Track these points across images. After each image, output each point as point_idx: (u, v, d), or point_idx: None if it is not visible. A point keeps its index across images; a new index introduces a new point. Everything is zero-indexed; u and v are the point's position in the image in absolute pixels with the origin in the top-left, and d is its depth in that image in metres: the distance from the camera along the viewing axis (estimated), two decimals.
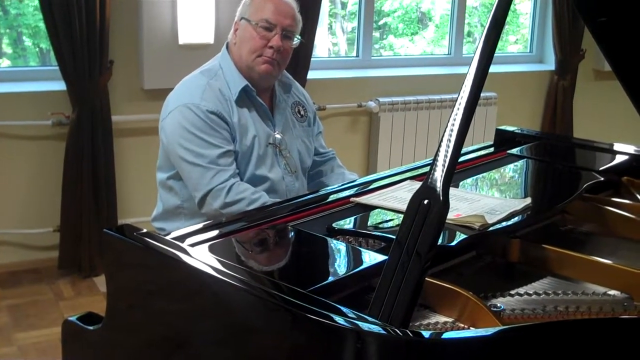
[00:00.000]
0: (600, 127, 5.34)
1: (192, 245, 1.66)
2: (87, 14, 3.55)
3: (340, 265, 1.68)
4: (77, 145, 3.70)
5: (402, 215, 1.37)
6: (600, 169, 2.37)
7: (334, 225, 1.83)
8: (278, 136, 2.44)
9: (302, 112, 2.57)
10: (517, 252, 1.83)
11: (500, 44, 1.53)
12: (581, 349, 1.31)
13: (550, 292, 1.65)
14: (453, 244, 1.69)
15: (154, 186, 2.52)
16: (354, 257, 1.69)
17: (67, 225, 3.79)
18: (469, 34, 5.26)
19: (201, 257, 1.53)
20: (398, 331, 1.25)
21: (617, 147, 2.58)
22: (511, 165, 2.42)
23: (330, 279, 1.58)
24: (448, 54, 5.03)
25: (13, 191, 3.80)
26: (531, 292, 1.64)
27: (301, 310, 1.31)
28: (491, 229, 1.78)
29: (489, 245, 1.85)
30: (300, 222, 1.87)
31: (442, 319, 1.50)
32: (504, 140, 2.69)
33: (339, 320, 1.27)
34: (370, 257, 1.63)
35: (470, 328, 1.46)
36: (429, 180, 1.35)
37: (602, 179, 2.24)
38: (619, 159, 2.52)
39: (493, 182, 2.31)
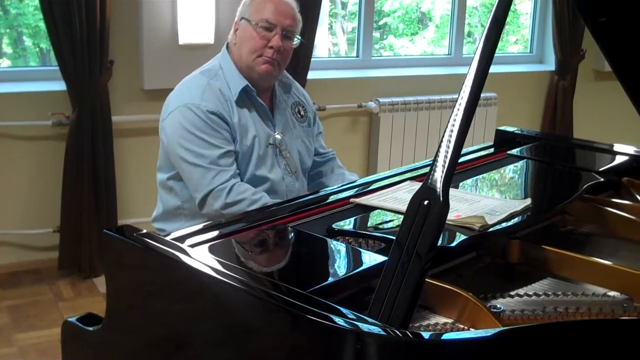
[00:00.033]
0: (600, 127, 5.34)
1: (192, 246, 1.66)
2: (87, 14, 3.55)
3: (340, 266, 1.68)
4: (77, 146, 3.70)
5: (402, 216, 1.37)
6: (600, 169, 2.37)
7: (334, 225, 1.83)
8: (278, 136, 2.44)
9: (302, 113, 2.57)
10: (517, 253, 1.82)
11: (500, 44, 1.53)
12: (581, 350, 1.31)
13: (550, 293, 1.65)
14: (453, 244, 1.69)
15: (154, 187, 2.52)
16: (354, 258, 1.69)
17: (67, 226, 3.79)
18: (469, 34, 5.26)
19: (201, 258, 1.53)
20: (398, 332, 1.25)
21: (617, 147, 2.58)
22: (511, 166, 2.42)
23: (330, 279, 1.58)
24: (448, 54, 5.03)
25: (13, 191, 3.80)
26: (531, 293, 1.64)
27: (301, 311, 1.31)
28: (491, 229, 1.78)
29: (489, 246, 1.85)
30: (300, 223, 1.87)
31: (442, 320, 1.50)
32: (504, 141, 2.69)
33: (339, 321, 1.27)
34: (370, 258, 1.63)
35: (470, 329, 1.46)
36: (429, 180, 1.35)
37: (602, 179, 2.24)
38: (619, 159, 2.52)
39: (493, 182, 2.31)
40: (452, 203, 1.68)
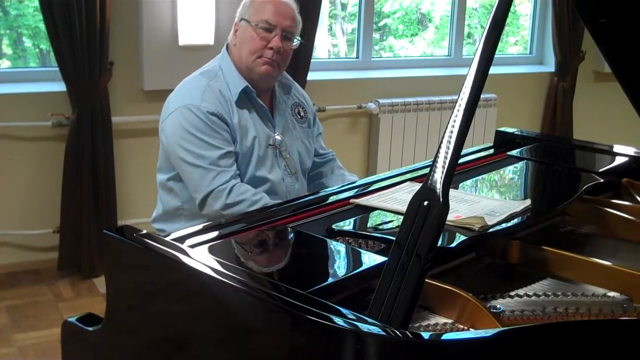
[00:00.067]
0: (600, 128, 5.34)
1: (192, 246, 1.66)
2: (87, 15, 3.55)
3: (340, 267, 1.68)
4: (77, 146, 3.70)
5: (402, 217, 1.38)
6: (600, 170, 2.37)
7: (333, 226, 1.83)
8: (278, 137, 2.44)
9: (302, 114, 2.57)
10: (517, 253, 1.83)
11: (500, 45, 1.53)
12: (581, 350, 1.31)
13: (549, 293, 1.65)
14: (453, 245, 1.70)
15: (154, 187, 2.52)
16: (354, 259, 1.69)
17: (66, 226, 3.79)
18: (469, 35, 5.26)
19: (201, 259, 1.53)
20: (398, 332, 1.25)
21: (617, 148, 2.58)
22: (511, 167, 2.42)
23: (330, 280, 1.58)
24: (448, 55, 5.03)
25: (13, 192, 3.80)
26: (531, 294, 1.64)
27: (301, 312, 1.31)
28: (491, 230, 1.78)
29: (489, 246, 1.85)
30: (300, 224, 1.87)
31: (441, 320, 1.50)
32: (503, 142, 2.70)
33: (339, 321, 1.27)
34: (370, 259, 1.63)
35: (470, 329, 1.46)
36: (429, 181, 1.35)
37: (602, 180, 2.24)
38: (619, 160, 2.53)
39: (493, 183, 2.31)
40: (452, 204, 1.68)
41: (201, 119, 2.30)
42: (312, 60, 4.23)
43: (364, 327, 1.25)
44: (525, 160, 2.49)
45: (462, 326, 1.48)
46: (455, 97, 1.41)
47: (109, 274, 1.70)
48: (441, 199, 1.33)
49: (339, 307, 1.33)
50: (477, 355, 1.26)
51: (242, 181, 2.35)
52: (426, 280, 1.43)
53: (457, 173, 1.62)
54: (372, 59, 4.74)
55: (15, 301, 3.56)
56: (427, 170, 1.38)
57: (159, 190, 2.49)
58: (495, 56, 1.45)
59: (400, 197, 2.01)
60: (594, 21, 1.94)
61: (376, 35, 5.02)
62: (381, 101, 4.51)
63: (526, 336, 1.28)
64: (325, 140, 2.72)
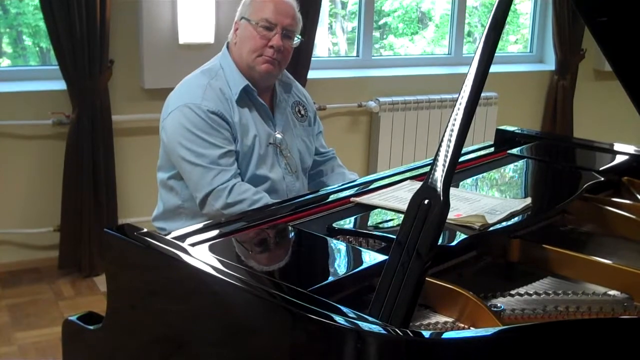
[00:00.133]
0: (600, 127, 5.34)
1: (193, 245, 1.66)
2: (87, 14, 3.55)
3: (340, 265, 1.68)
4: (77, 145, 3.70)
5: (402, 215, 1.38)
6: (601, 169, 2.37)
7: (334, 225, 1.83)
8: (279, 136, 2.44)
9: (302, 112, 2.57)
10: (518, 252, 1.83)
11: (500, 43, 1.53)
12: (581, 349, 1.31)
13: (550, 292, 1.65)
14: (453, 244, 1.69)
15: (155, 186, 2.52)
16: (354, 257, 1.69)
17: (67, 225, 3.79)
18: (469, 33, 5.26)
19: (202, 257, 1.53)
20: (398, 331, 1.25)
21: (617, 147, 2.58)
22: (511, 165, 2.42)
23: (331, 278, 1.58)
24: (448, 54, 5.03)
25: (13, 191, 3.80)
26: (531, 292, 1.64)
27: (301, 310, 1.31)
28: (491, 229, 1.78)
29: (490, 245, 1.85)
30: (300, 222, 1.87)
31: (442, 319, 1.50)
32: (504, 140, 2.70)
33: (339, 320, 1.27)
34: (371, 257, 1.63)
35: (471, 328, 1.46)
36: (430, 180, 1.35)
37: (602, 179, 2.24)
38: (619, 159, 2.52)
39: (493, 182, 2.31)
40: (453, 202, 1.67)
41: (202, 117, 2.30)
42: (312, 58, 4.23)
43: (365, 325, 1.25)
44: (525, 159, 2.49)
45: (462, 325, 1.48)
46: (455, 96, 1.41)
47: (110, 272, 1.70)
48: (442, 198, 1.33)
49: (339, 306, 1.33)
50: (477, 354, 1.26)
51: (242, 180, 2.35)
52: (427, 278, 1.43)
53: (457, 171, 1.62)
54: (373, 58, 4.74)
55: (16, 300, 3.56)
56: (427, 169, 1.38)
57: (160, 188, 2.49)
58: (496, 55, 1.45)
59: (401, 196, 2.01)
60: (594, 19, 1.94)
61: (376, 34, 5.01)
62: (381, 99, 4.51)
63: (527, 335, 1.28)
64: (325, 138, 2.72)
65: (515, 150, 2.54)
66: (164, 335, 1.59)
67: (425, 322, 1.48)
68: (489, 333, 1.31)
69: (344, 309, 1.31)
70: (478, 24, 5.42)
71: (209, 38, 3.90)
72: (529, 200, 1.96)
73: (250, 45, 2.36)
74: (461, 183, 2.20)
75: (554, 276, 1.75)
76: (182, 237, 1.70)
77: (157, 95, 3.66)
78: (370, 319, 1.28)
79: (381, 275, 1.32)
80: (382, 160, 4.56)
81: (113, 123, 3.81)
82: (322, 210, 1.96)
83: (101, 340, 1.71)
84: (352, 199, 2.03)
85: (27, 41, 4.27)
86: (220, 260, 1.52)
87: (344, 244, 1.73)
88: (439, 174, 1.34)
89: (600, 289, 1.68)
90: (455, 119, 1.38)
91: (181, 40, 3.87)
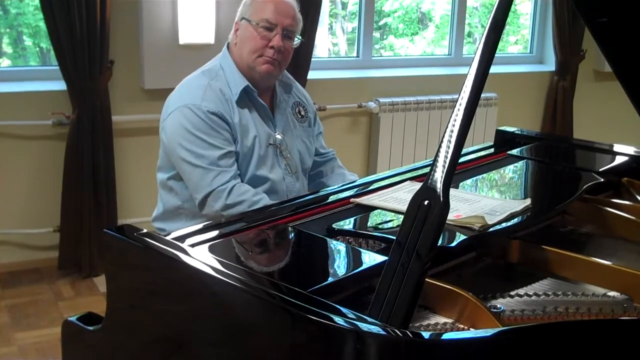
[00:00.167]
0: (600, 128, 5.35)
1: (192, 245, 1.66)
2: (87, 14, 3.55)
3: (340, 266, 1.68)
4: (77, 145, 3.70)
5: (402, 216, 1.37)
6: (600, 170, 2.37)
7: (334, 225, 1.83)
8: (279, 136, 2.44)
9: (302, 113, 2.57)
10: (517, 253, 1.83)
11: (500, 44, 1.53)
12: (581, 350, 1.31)
13: (550, 293, 1.65)
14: (453, 244, 1.69)
15: (154, 186, 2.52)
16: (354, 258, 1.69)
17: (67, 226, 3.79)
18: (469, 34, 5.26)
19: (201, 258, 1.53)
20: (398, 332, 1.25)
21: (617, 148, 2.58)
22: (511, 166, 2.42)
23: (330, 279, 1.58)
24: (448, 55, 5.03)
25: (13, 191, 3.80)
26: (531, 293, 1.64)
27: (301, 311, 1.31)
28: (491, 229, 1.78)
29: (489, 246, 1.85)
30: (300, 223, 1.87)
31: (442, 319, 1.50)
32: (504, 141, 2.70)
33: (339, 320, 1.27)
34: (370, 258, 1.63)
35: (470, 329, 1.46)
36: (429, 180, 1.35)
37: (602, 180, 2.24)
38: (619, 160, 2.52)
39: (493, 183, 2.31)
40: (452, 203, 1.68)
41: (202, 118, 2.30)
42: (312, 59, 4.23)
43: (364, 326, 1.25)
44: (525, 160, 2.49)
45: (462, 326, 1.48)
46: (455, 96, 1.42)
47: (110, 273, 1.70)
48: (442, 198, 1.33)
49: (339, 307, 1.33)
50: (477, 355, 1.26)
51: (242, 180, 2.35)
52: (426, 279, 1.43)
53: (457, 172, 1.62)
54: (373, 58, 4.74)
55: (16, 300, 3.56)
56: (427, 170, 1.38)
57: (159, 189, 2.49)
58: (496, 55, 1.45)
59: (401, 197, 2.01)
60: (594, 20, 1.94)
61: (376, 34, 5.02)
62: (381, 100, 4.51)
63: (526, 336, 1.28)
64: (325, 139, 2.72)
65: (515, 151, 2.54)
66: (164, 335, 1.59)
67: (425, 323, 1.48)
68: (488, 334, 1.31)
69: (344, 310, 1.32)
70: (478, 25, 5.42)
71: (209, 38, 3.90)
72: (528, 201, 1.96)
73: (251, 46, 2.36)
74: (461, 184, 2.20)
75: (553, 277, 1.75)
76: (182, 238, 1.70)
77: (157, 96, 3.66)
78: (369, 319, 1.28)
79: (381, 276, 1.32)
80: (382, 161, 4.56)
81: (113, 123, 3.81)
82: (322, 211, 1.96)
83: (101, 341, 1.71)
84: (352, 199, 2.03)
85: (28, 41, 4.27)
86: (220, 261, 1.52)
87: (344, 245, 1.73)
88: (439, 175, 1.34)
89: (600, 290, 1.68)
90: (455, 120, 1.38)
91: (181, 41, 3.87)
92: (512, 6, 1.50)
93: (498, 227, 1.80)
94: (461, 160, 2.34)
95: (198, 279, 1.50)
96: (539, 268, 1.78)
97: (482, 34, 1.46)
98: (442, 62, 5.00)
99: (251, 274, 1.52)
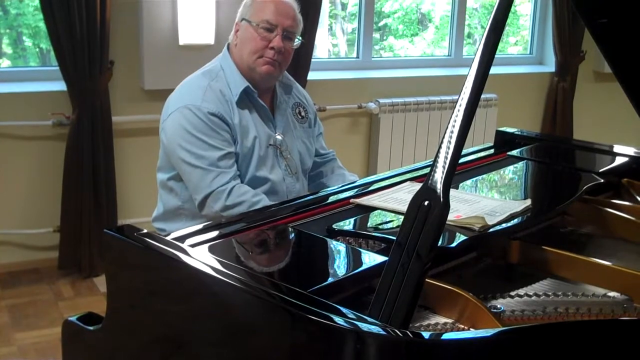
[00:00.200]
0: (600, 128, 5.35)
1: (193, 245, 1.66)
2: (87, 14, 3.55)
3: (340, 266, 1.69)
4: (77, 146, 3.70)
5: (402, 217, 1.38)
6: (600, 170, 2.37)
7: (334, 226, 1.83)
8: (279, 137, 2.44)
9: (302, 113, 2.57)
10: (517, 253, 1.83)
11: (500, 45, 1.53)
12: (581, 350, 1.31)
13: (550, 293, 1.65)
14: (453, 245, 1.70)
15: (154, 186, 2.52)
16: (354, 258, 1.69)
17: (67, 226, 3.79)
18: (469, 35, 5.26)
19: (201, 258, 1.53)
20: (398, 332, 1.25)
21: (617, 148, 2.58)
22: (511, 167, 2.42)
23: (330, 279, 1.58)
24: (448, 55, 5.03)
25: (13, 191, 3.80)
26: (531, 294, 1.64)
27: (301, 311, 1.31)
28: (491, 230, 1.78)
29: (489, 246, 1.85)
30: (300, 223, 1.87)
31: (442, 320, 1.50)
32: (504, 142, 2.70)
33: (339, 320, 1.27)
34: (371, 258, 1.63)
35: (470, 329, 1.46)
36: (430, 181, 1.35)
37: (602, 180, 2.24)
38: (619, 160, 2.53)
39: (493, 183, 2.32)
40: (453, 204, 1.67)
41: (202, 119, 2.30)
42: (312, 60, 4.23)
43: (365, 326, 1.25)
44: (525, 160, 2.49)
45: (462, 326, 1.48)
46: (455, 97, 1.42)
47: (110, 273, 1.70)
48: (442, 199, 1.33)
49: (339, 307, 1.33)
50: (477, 355, 1.26)
51: (242, 181, 2.35)
52: (427, 280, 1.43)
53: (457, 173, 1.62)
54: (373, 59, 4.75)
55: (16, 300, 3.56)
56: (427, 170, 1.39)
57: (160, 189, 2.49)
58: (496, 56, 1.46)
59: (401, 197, 2.01)
60: (594, 21, 1.94)
61: (376, 35, 5.02)
62: (381, 101, 4.51)
63: (526, 336, 1.28)
64: (325, 140, 2.72)
65: (515, 152, 2.55)
66: (164, 335, 1.59)
67: (425, 323, 1.48)
68: (488, 334, 1.31)
69: (344, 310, 1.32)
70: (478, 26, 5.42)
71: (209, 39, 3.90)
72: (528, 202, 1.96)
73: (251, 47, 2.36)
74: (461, 184, 2.20)
75: (553, 277, 1.75)
76: (182, 238, 1.70)
77: (157, 96, 3.66)
78: (370, 319, 1.28)
79: (381, 276, 1.32)
80: (381, 162, 4.56)
81: (113, 124, 3.81)
82: (322, 212, 1.96)
83: (101, 341, 1.71)
84: (352, 200, 2.04)
85: (27, 42, 4.27)
86: (220, 261, 1.52)
87: (344, 245, 1.73)
88: (439, 175, 1.35)
89: (600, 291, 1.68)
90: (455, 121, 1.38)
91: (181, 41, 3.87)
92: (512, 7, 1.50)
93: (498, 227, 1.80)
94: (461, 160, 2.34)
95: (198, 279, 1.50)
96: (539, 268, 1.78)
97: (482, 35, 1.46)
98: (442, 63, 5.00)
99: (251, 274, 1.52)
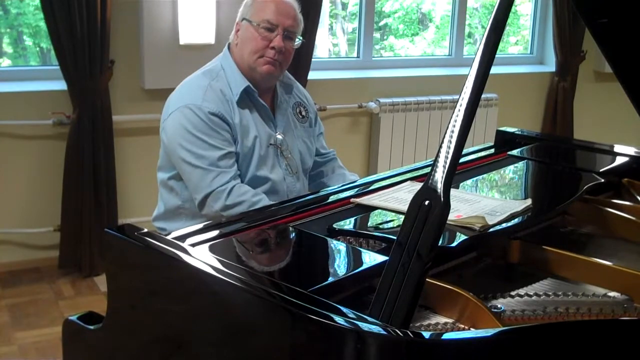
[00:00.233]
0: (600, 128, 5.35)
1: (193, 245, 1.66)
2: (88, 14, 3.55)
3: (340, 266, 1.69)
4: (77, 145, 3.71)
5: (402, 216, 1.38)
6: (601, 170, 2.37)
7: (334, 225, 1.83)
8: (279, 137, 2.44)
9: (303, 113, 2.57)
10: (518, 253, 1.83)
11: (500, 45, 1.53)
12: (581, 350, 1.31)
13: (550, 293, 1.65)
14: (454, 244, 1.70)
15: (155, 186, 2.52)
16: (355, 258, 1.69)
17: (67, 225, 3.79)
18: (470, 35, 5.26)
19: (202, 257, 1.53)
20: (398, 332, 1.25)
21: (618, 148, 2.58)
22: (512, 167, 2.42)
23: (331, 279, 1.58)
24: (449, 55, 5.03)
25: (14, 191, 3.80)
26: (531, 293, 1.64)
27: (301, 311, 1.31)
28: (492, 230, 1.78)
29: (490, 246, 1.85)
30: (300, 223, 1.87)
31: (442, 319, 1.50)
32: (504, 142, 2.70)
33: (339, 320, 1.27)
34: (371, 258, 1.63)
35: (471, 329, 1.46)
36: (430, 181, 1.35)
37: (603, 180, 2.24)
38: (620, 160, 2.53)
39: (493, 183, 2.32)
40: (453, 203, 1.67)
41: (202, 119, 2.30)
42: (312, 59, 4.24)
43: (365, 326, 1.25)
44: (525, 160, 2.49)
45: (462, 326, 1.48)
46: (455, 97, 1.42)
47: (110, 272, 1.70)
48: (442, 199, 1.33)
49: (339, 307, 1.33)
50: (477, 355, 1.26)
51: (243, 181, 2.35)
52: (427, 279, 1.43)
53: (457, 172, 1.62)
54: (373, 59, 4.75)
55: (16, 299, 3.56)
56: (427, 170, 1.39)
57: (160, 189, 2.49)
58: (496, 56, 1.45)
59: (401, 197, 2.01)
60: (594, 21, 1.94)
61: (377, 35, 5.02)
62: (382, 100, 4.51)
63: (527, 336, 1.28)
64: (325, 139, 2.72)
65: (515, 152, 2.55)
66: (164, 335, 1.59)
67: (426, 323, 1.48)
68: (489, 334, 1.31)
69: (344, 310, 1.32)
70: (478, 25, 5.42)
71: (210, 39, 3.90)
72: (529, 202, 1.96)
73: (252, 46, 2.36)
74: (461, 184, 2.20)
75: (554, 277, 1.75)
76: (183, 238, 1.70)
77: (157, 96, 3.66)
78: (370, 319, 1.28)
79: (382, 276, 1.32)
80: (382, 161, 4.57)
81: (113, 123, 3.81)
82: (323, 211, 1.96)
83: (101, 340, 1.71)
84: (352, 199, 2.04)
85: (28, 41, 4.27)
86: (220, 261, 1.52)
87: (344, 245, 1.73)
88: (440, 175, 1.35)
89: (600, 291, 1.68)
90: (455, 120, 1.38)
91: (182, 41, 3.87)
92: (513, 7, 1.50)
93: (498, 227, 1.80)
94: (462, 160, 2.34)
95: (199, 278, 1.50)
96: (539, 268, 1.78)
97: (483, 35, 1.46)
98: (443, 63, 5.00)
99: (252, 273, 1.52)
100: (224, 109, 2.34)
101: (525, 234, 1.91)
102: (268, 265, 1.70)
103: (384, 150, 4.56)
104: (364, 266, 1.62)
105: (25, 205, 3.83)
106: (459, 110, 1.39)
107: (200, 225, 1.81)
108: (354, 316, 1.29)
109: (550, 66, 5.19)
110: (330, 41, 5.13)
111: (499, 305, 1.56)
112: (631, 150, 2.54)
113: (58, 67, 3.64)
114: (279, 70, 2.41)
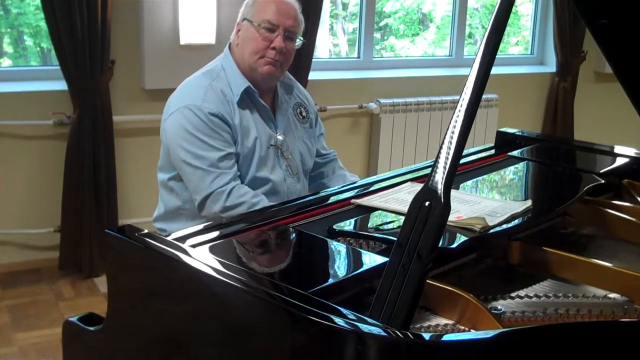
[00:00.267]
0: (601, 129, 5.34)
1: (193, 246, 1.66)
2: (88, 14, 3.55)
3: (341, 267, 1.69)
4: (78, 145, 3.71)
5: (403, 217, 1.38)
6: (601, 171, 2.37)
7: (334, 226, 1.83)
8: (280, 137, 2.44)
9: (304, 114, 2.56)
10: (518, 254, 1.83)
11: (501, 45, 1.53)
12: (581, 351, 1.31)
13: (550, 294, 1.65)
14: (454, 246, 1.69)
15: (155, 186, 2.52)
16: (355, 259, 1.69)
17: (67, 226, 3.79)
18: (470, 35, 5.26)
19: (202, 258, 1.53)
20: (399, 333, 1.25)
21: (618, 149, 2.58)
22: (512, 168, 2.42)
23: (331, 280, 1.58)
24: (449, 56, 5.03)
25: (14, 191, 3.80)
26: (532, 295, 1.64)
27: (302, 312, 1.31)
28: (492, 231, 1.78)
29: (490, 247, 1.85)
30: (301, 224, 1.87)
31: (442, 321, 1.50)
32: (504, 142, 2.70)
33: (340, 321, 1.27)
34: (371, 259, 1.63)
35: (471, 330, 1.46)
36: (430, 182, 1.35)
37: (603, 181, 2.24)
38: (620, 161, 2.52)
39: (494, 184, 2.31)
40: (453, 204, 1.67)
41: (202, 119, 2.30)
42: (313, 60, 4.23)
43: (365, 327, 1.25)
44: (526, 161, 2.49)
45: (463, 327, 1.48)
46: (456, 97, 1.42)
47: (110, 273, 1.70)
48: (442, 200, 1.33)
49: (340, 308, 1.33)
50: (477, 356, 1.26)
51: (243, 182, 2.35)
52: (427, 281, 1.43)
53: (458, 173, 1.62)
54: (373, 59, 4.75)
55: (16, 300, 3.56)
56: (428, 171, 1.38)
57: (160, 189, 2.49)
58: (497, 56, 1.45)
59: (401, 198, 2.01)
60: (595, 21, 1.94)
61: (377, 35, 5.02)
62: (382, 101, 4.51)
63: (527, 337, 1.28)
64: (326, 140, 2.72)
65: (515, 153, 2.54)
66: (164, 336, 1.59)
67: (426, 324, 1.48)
68: (489, 335, 1.31)
69: (345, 311, 1.32)
70: (479, 26, 5.42)
71: (210, 39, 3.90)
72: (529, 203, 1.96)
73: (252, 47, 2.36)
74: (462, 185, 2.20)
75: (554, 279, 1.75)
76: (183, 238, 1.70)
77: (158, 96, 3.66)
78: (370, 320, 1.28)
79: (382, 277, 1.32)
80: (382, 162, 4.56)
81: (114, 123, 3.81)
82: (323, 212, 1.96)
83: (101, 342, 1.71)
84: (352, 200, 2.03)
85: (28, 41, 4.27)
86: (220, 262, 1.52)
87: (345, 246, 1.73)
88: (440, 176, 1.34)
89: (601, 292, 1.68)
90: (456, 121, 1.38)
91: (182, 41, 3.87)
92: (513, 7, 1.50)
93: (499, 228, 1.80)
94: (462, 161, 2.33)
95: (199, 279, 1.50)
96: (539, 269, 1.78)
97: (483, 35, 1.46)
98: (443, 63, 5.00)
99: (252, 274, 1.52)
100: (224, 109, 2.34)
101: (526, 235, 1.91)
102: (268, 267, 1.70)
103: (385, 151, 4.56)
104: (364, 267, 1.62)
105: (26, 205, 3.83)
106: (460, 110, 1.39)
107: (201, 226, 1.81)
108: (354, 317, 1.29)
109: (551, 67, 5.19)
110: (331, 41, 5.13)
111: (499, 307, 1.56)
112: (631, 151, 2.54)
113: (58, 67, 3.64)
114: (279, 71, 2.41)
